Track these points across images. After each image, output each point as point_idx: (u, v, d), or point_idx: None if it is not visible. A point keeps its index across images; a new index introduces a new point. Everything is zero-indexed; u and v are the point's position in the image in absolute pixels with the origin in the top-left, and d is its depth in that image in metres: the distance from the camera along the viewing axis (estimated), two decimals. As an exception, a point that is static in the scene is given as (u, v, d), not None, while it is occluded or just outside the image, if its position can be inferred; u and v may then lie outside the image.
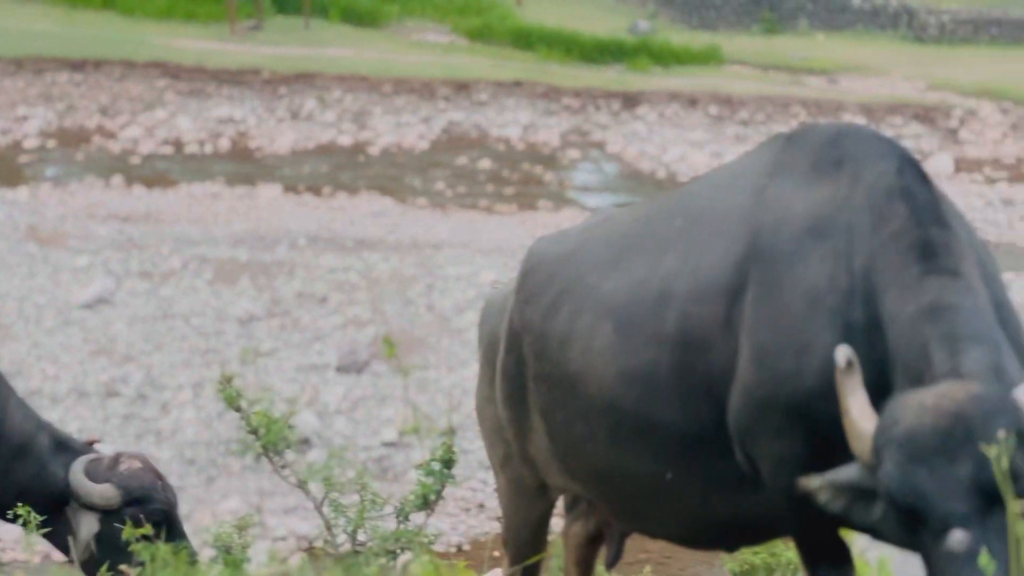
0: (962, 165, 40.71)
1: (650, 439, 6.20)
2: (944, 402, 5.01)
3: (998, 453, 4.81)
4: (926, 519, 4.97)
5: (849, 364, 5.27)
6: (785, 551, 15.89)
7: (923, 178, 5.79)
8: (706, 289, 5.98)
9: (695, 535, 6.70)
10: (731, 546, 6.96)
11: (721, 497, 6.18)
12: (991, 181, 39.76)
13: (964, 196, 37.74)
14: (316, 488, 6.50)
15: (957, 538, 4.86)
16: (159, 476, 8.02)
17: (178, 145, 41.78)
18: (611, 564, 7.59)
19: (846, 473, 5.32)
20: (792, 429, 5.65)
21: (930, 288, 5.42)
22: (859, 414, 5.24)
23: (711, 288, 5.96)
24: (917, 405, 5.06)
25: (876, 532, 5.42)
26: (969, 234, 5.82)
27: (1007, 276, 32.43)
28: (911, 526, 5.07)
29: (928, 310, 5.36)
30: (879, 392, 5.38)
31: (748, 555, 17.20)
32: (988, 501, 4.91)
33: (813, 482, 5.37)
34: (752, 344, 5.76)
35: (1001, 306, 5.63)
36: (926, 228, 5.58)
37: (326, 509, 6.40)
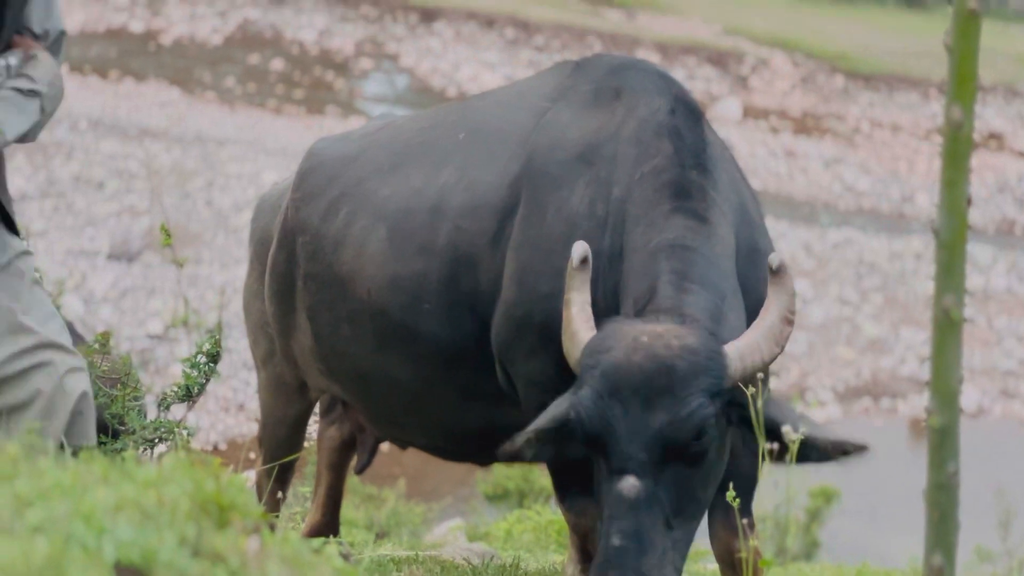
0: (750, 112, 41.27)
1: (413, 347, 6.27)
2: (658, 345, 5.05)
3: (688, 413, 4.96)
4: (607, 454, 5.05)
5: (584, 261, 5.35)
6: (540, 477, 16.13)
7: (695, 121, 5.90)
8: (479, 205, 6.05)
9: (449, 446, 6.79)
10: (484, 460, 7.05)
11: (477, 410, 6.28)
12: (776, 131, 40.41)
13: (749, 144, 38.39)
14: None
15: (630, 483, 4.97)
16: None
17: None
18: (361, 470, 7.66)
19: (543, 419, 5.32)
20: (545, 350, 5.71)
21: (674, 227, 5.52)
22: (578, 313, 5.31)
23: (484, 205, 6.04)
24: (632, 339, 5.09)
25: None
26: (735, 182, 5.95)
27: (782, 226, 33.03)
28: (592, 454, 5.15)
29: (667, 247, 5.47)
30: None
31: (502, 479, 17.43)
32: (669, 456, 5.01)
33: (517, 442, 5.37)
34: (515, 263, 5.85)
35: (755, 252, 5.78)
36: (686, 170, 5.68)
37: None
